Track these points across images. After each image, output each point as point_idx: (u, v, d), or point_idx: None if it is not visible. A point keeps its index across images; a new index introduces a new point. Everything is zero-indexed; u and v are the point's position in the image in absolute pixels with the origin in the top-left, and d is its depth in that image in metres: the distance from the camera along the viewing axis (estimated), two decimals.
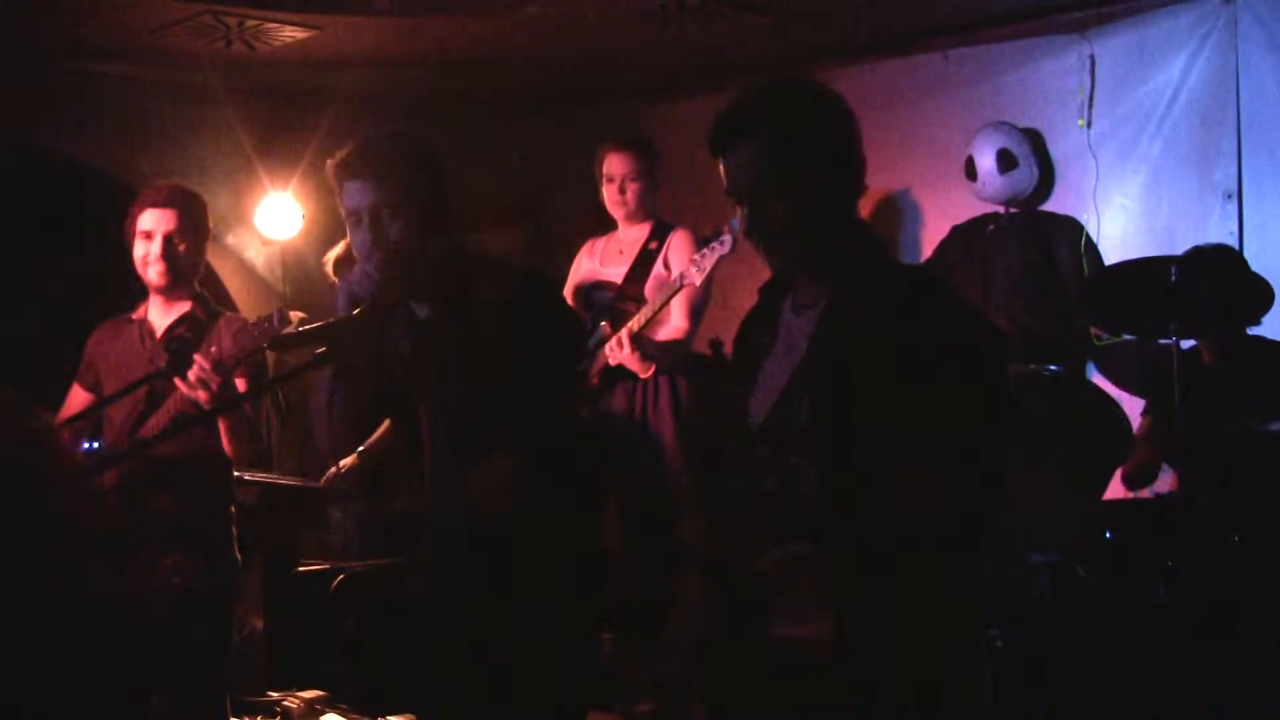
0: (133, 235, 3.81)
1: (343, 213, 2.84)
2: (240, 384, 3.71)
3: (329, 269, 4.08)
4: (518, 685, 2.78)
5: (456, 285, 2.85)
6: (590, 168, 5.09)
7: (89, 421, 3.95)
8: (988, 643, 3.75)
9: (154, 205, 3.79)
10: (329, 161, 2.85)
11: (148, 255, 3.80)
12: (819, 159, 2.23)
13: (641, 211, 5.02)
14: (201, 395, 3.49)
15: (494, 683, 2.78)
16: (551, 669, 2.82)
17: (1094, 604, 4.15)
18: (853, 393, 2.10)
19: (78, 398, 3.98)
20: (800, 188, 2.21)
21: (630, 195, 4.97)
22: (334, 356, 2.76)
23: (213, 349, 3.55)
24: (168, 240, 3.79)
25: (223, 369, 3.50)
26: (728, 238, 4.67)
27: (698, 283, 4.70)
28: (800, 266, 2.28)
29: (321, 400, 2.87)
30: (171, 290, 3.85)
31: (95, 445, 3.90)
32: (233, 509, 3.94)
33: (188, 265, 3.85)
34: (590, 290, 5.09)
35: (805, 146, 2.22)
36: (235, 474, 4.07)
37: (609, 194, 5.01)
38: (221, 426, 3.68)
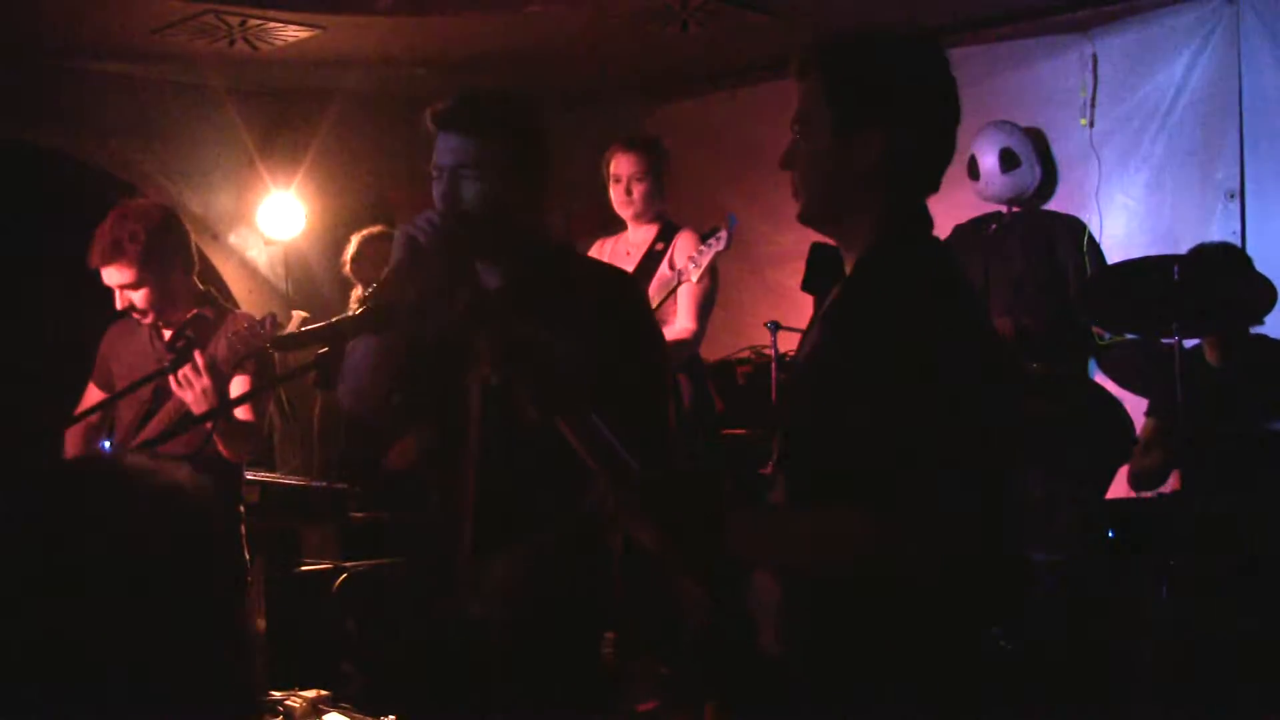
0: None
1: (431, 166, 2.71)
2: (242, 385, 3.69)
3: (346, 269, 3.96)
4: (526, 686, 2.76)
5: (538, 266, 2.72)
6: (592, 168, 5.07)
7: (104, 420, 3.95)
8: (990, 643, 3.74)
9: (102, 265, 3.70)
10: (427, 110, 2.72)
11: (124, 305, 3.76)
12: (859, 113, 2.01)
13: (648, 212, 4.99)
14: (187, 395, 3.49)
15: (500, 683, 2.77)
16: (558, 669, 2.80)
17: (1094, 604, 4.15)
18: (828, 391, 2.01)
19: (92, 396, 3.98)
20: (817, 137, 2.04)
21: (637, 195, 4.95)
22: (335, 356, 2.73)
23: (209, 350, 3.54)
24: (124, 293, 3.73)
25: (215, 370, 3.49)
26: (724, 234, 4.67)
27: (693, 279, 4.70)
28: (814, 225, 2.12)
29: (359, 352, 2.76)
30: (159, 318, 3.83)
31: (108, 444, 3.91)
32: (240, 508, 3.94)
33: (167, 293, 3.77)
34: None
35: (846, 96, 2.02)
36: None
37: (615, 194, 4.99)
38: (214, 428, 3.65)
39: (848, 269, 2.12)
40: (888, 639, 1.94)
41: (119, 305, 3.77)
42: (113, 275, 3.71)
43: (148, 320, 3.80)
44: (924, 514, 1.84)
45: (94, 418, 3.92)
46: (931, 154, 2.07)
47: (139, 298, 3.73)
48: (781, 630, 2.02)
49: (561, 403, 1.98)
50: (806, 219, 2.12)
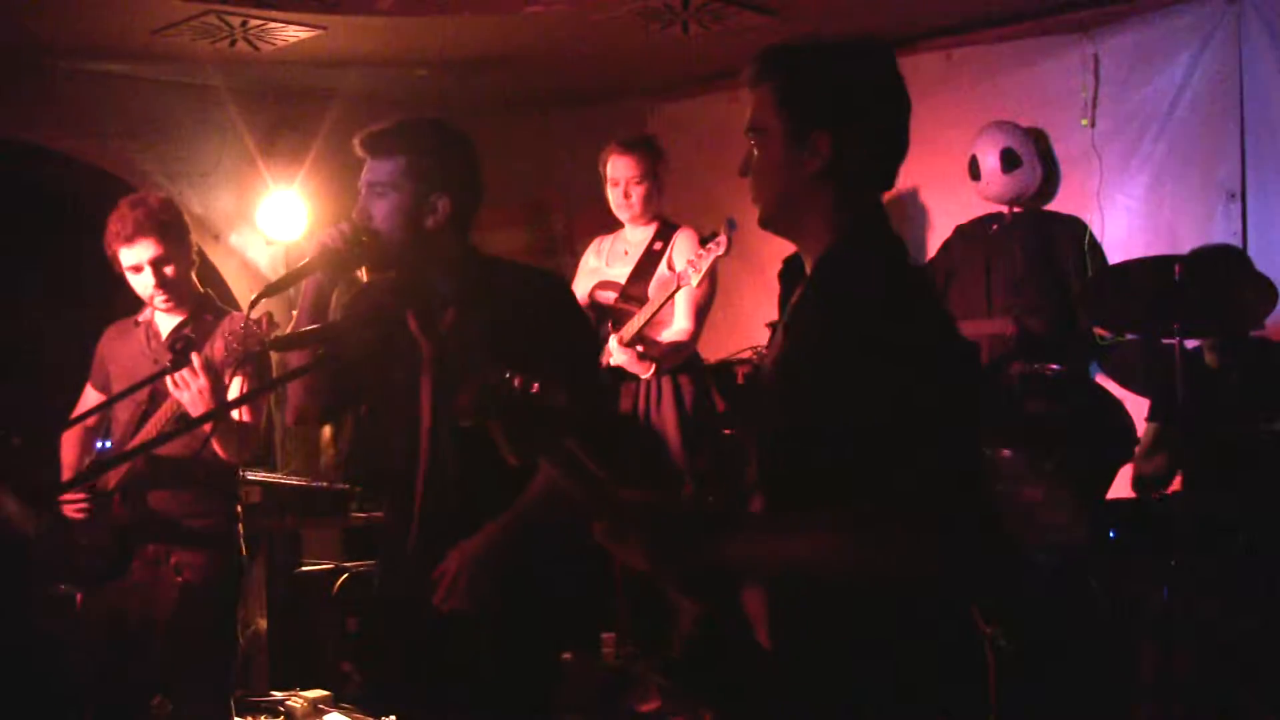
0: (119, 267, 3.79)
1: None
2: (241, 386, 3.69)
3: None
4: (495, 688, 2.79)
5: (474, 280, 2.87)
6: (593, 168, 5.08)
7: (101, 421, 3.96)
8: (989, 642, 3.75)
9: (127, 241, 3.72)
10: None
11: (146, 288, 3.77)
12: (808, 118, 2.07)
13: (647, 213, 5.00)
14: (184, 396, 3.49)
15: (472, 684, 2.80)
16: (526, 670, 2.83)
17: (1094, 604, 4.15)
18: (794, 395, 2.04)
19: (90, 398, 4.00)
20: (771, 144, 2.10)
21: (636, 199, 4.95)
22: (334, 357, 2.77)
23: (205, 351, 3.55)
24: (157, 269, 3.74)
25: (211, 371, 3.50)
26: (723, 239, 4.66)
27: (692, 284, 4.70)
28: (773, 230, 2.17)
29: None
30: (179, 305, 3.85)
31: (106, 445, 3.92)
32: (238, 508, 3.95)
33: (184, 277, 3.82)
34: (594, 290, 5.08)
35: (796, 102, 2.08)
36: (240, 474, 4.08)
37: (614, 197, 4.99)
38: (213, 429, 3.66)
39: (808, 271, 2.15)
40: (878, 639, 1.95)
41: (139, 289, 3.78)
42: (141, 251, 3.72)
43: (164, 307, 3.81)
44: (897, 515, 1.86)
45: (91, 419, 3.93)
46: (880, 153, 2.12)
47: (169, 270, 3.75)
48: (770, 635, 2.03)
49: (539, 444, 2.02)
50: (765, 224, 2.17)
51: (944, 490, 1.87)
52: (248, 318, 3.02)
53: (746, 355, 5.93)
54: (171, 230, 3.77)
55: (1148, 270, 4.37)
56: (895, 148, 2.13)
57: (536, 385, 1.97)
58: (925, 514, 1.86)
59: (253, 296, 2.92)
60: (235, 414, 3.71)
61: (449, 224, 2.86)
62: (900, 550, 1.88)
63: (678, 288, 4.75)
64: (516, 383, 1.98)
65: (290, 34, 5.58)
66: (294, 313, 3.03)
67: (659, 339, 4.88)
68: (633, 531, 2.00)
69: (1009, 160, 5.48)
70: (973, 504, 1.91)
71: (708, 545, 1.97)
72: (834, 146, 2.05)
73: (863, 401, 1.91)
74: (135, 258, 3.73)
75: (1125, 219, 5.49)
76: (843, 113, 2.07)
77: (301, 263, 2.90)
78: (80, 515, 3.78)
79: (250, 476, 4.88)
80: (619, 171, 4.93)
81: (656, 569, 2.01)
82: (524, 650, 2.83)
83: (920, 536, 1.86)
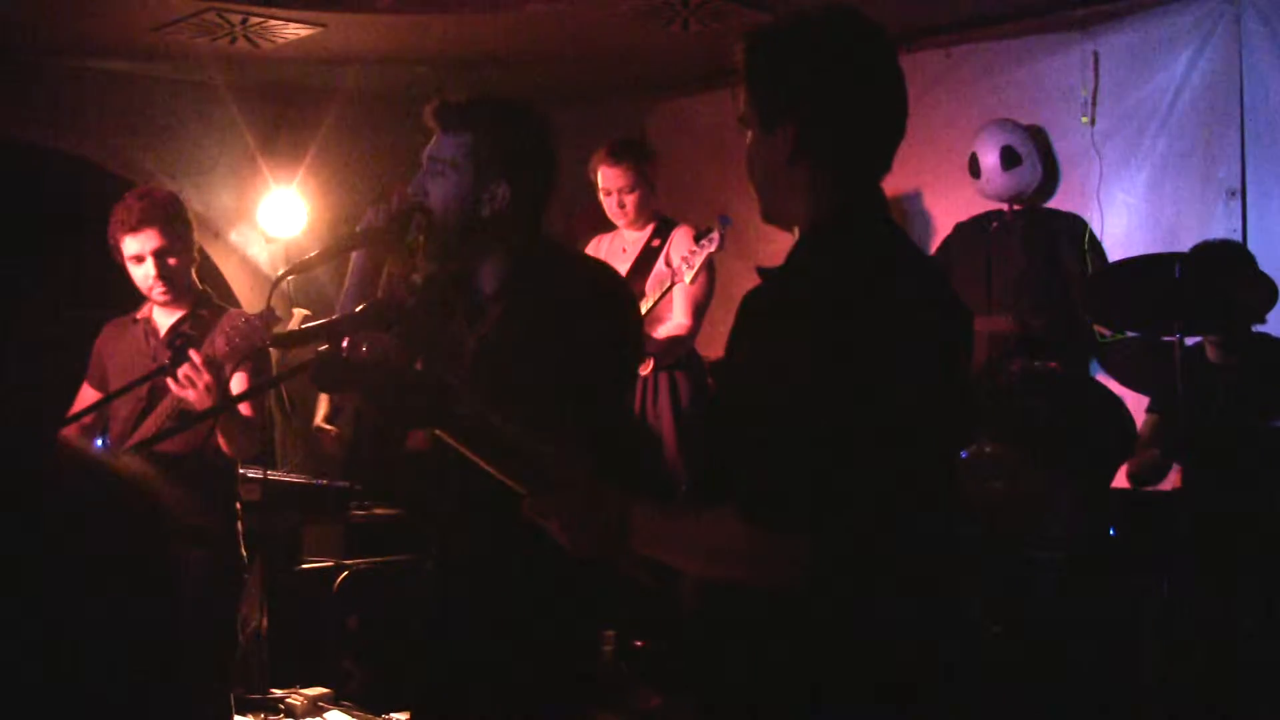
0: (120, 257, 3.79)
1: None
2: (241, 382, 3.70)
3: None
4: (514, 687, 2.76)
5: (529, 274, 2.71)
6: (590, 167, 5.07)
7: (98, 419, 3.95)
8: (989, 639, 3.75)
9: (132, 230, 3.73)
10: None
11: (146, 279, 3.78)
12: (776, 108, 2.01)
13: (643, 217, 5.00)
14: (189, 394, 3.49)
15: (492, 685, 2.77)
16: (549, 668, 2.79)
17: (1094, 603, 4.15)
18: (724, 385, 2.05)
19: (87, 395, 3.99)
20: (753, 136, 2.06)
21: (630, 206, 4.95)
22: (337, 351, 2.74)
23: (205, 349, 3.55)
24: (159, 259, 3.75)
25: (214, 367, 3.50)
26: (716, 235, 4.66)
27: (685, 280, 4.69)
28: (770, 222, 2.12)
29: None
30: (177, 299, 3.86)
31: (102, 443, 3.92)
32: (238, 506, 3.95)
33: (185, 272, 3.84)
34: None
35: (764, 94, 2.04)
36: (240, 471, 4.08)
37: (608, 206, 4.98)
38: (216, 425, 3.66)
39: None
40: (753, 642, 1.92)
41: (139, 279, 3.79)
42: (145, 241, 3.73)
43: (162, 299, 3.81)
44: (777, 522, 1.81)
45: (89, 417, 3.92)
46: (859, 138, 2.02)
47: (171, 262, 3.77)
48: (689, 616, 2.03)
49: (422, 415, 2.00)
50: (763, 217, 2.13)
51: (814, 496, 1.80)
52: (269, 305, 2.98)
53: None
54: (175, 223, 3.79)
55: (1148, 268, 4.37)
56: (879, 129, 2.02)
57: (364, 347, 1.96)
58: (783, 521, 1.81)
59: (280, 273, 2.87)
60: (240, 409, 3.72)
61: (509, 213, 2.69)
62: (747, 557, 1.85)
63: (672, 284, 4.75)
64: (344, 348, 1.97)
65: (290, 31, 5.58)
66: (301, 313, 3.00)
67: (656, 335, 4.88)
68: (551, 505, 2.01)
69: (1009, 158, 5.48)
70: (869, 510, 1.84)
71: (618, 523, 1.97)
72: (801, 136, 1.98)
73: (751, 396, 1.89)
74: (138, 247, 3.74)
75: (1125, 216, 5.49)
76: (806, 101, 1.99)
77: (336, 241, 2.81)
78: None
79: (250, 474, 4.87)
80: (610, 182, 4.93)
81: (575, 544, 2.01)
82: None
83: (771, 546, 1.82)
